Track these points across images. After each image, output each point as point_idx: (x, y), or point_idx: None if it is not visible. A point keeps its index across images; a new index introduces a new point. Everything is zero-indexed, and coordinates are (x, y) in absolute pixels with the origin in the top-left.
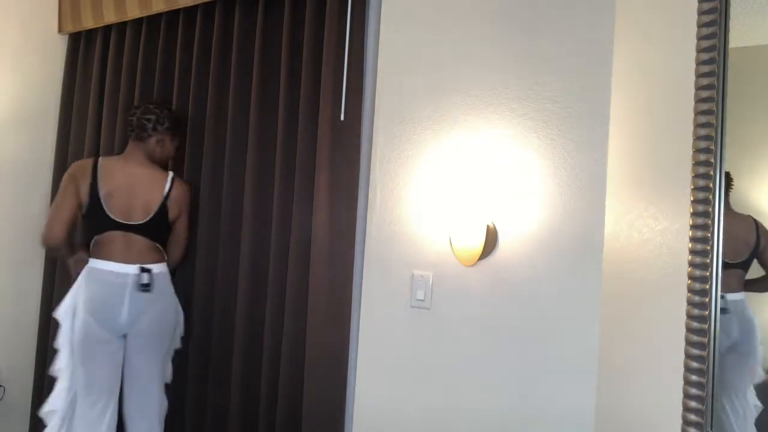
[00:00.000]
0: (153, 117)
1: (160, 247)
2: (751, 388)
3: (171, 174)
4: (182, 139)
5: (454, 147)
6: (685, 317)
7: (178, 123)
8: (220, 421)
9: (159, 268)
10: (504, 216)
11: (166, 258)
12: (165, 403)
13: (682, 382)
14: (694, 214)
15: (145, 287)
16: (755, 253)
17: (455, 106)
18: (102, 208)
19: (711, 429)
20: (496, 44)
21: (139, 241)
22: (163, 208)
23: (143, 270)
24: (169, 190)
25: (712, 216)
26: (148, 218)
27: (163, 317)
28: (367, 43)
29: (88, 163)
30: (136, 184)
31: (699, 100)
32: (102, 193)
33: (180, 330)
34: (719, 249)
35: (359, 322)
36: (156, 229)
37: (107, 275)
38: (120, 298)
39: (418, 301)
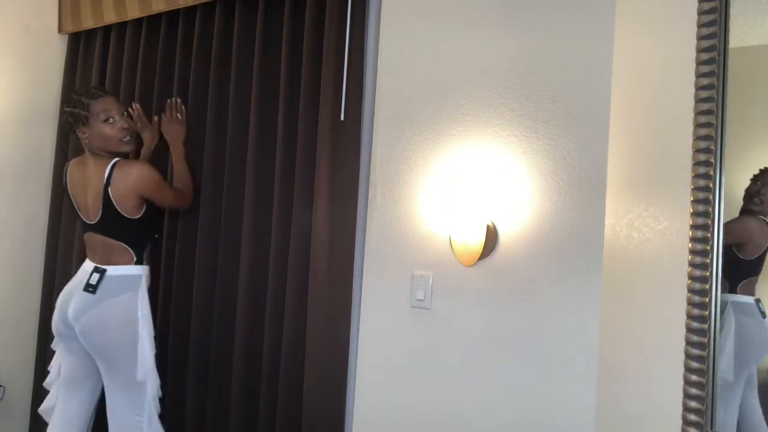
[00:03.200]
0: (63, 120)
1: (126, 246)
2: None
3: (113, 161)
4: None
5: (454, 147)
6: (685, 317)
7: (73, 113)
8: (220, 422)
9: (117, 271)
10: (504, 216)
11: (135, 260)
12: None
13: (682, 382)
14: (694, 214)
15: (88, 287)
16: None
17: (455, 105)
18: (76, 210)
19: (711, 429)
20: (497, 44)
21: (102, 240)
22: (107, 201)
23: (96, 270)
24: (108, 179)
25: (712, 216)
26: (99, 216)
27: (106, 323)
28: (367, 43)
29: (67, 164)
30: (86, 182)
31: (699, 100)
32: (70, 195)
33: (142, 356)
34: (719, 249)
35: (359, 322)
36: (112, 227)
37: (79, 273)
38: (71, 294)
39: (418, 301)
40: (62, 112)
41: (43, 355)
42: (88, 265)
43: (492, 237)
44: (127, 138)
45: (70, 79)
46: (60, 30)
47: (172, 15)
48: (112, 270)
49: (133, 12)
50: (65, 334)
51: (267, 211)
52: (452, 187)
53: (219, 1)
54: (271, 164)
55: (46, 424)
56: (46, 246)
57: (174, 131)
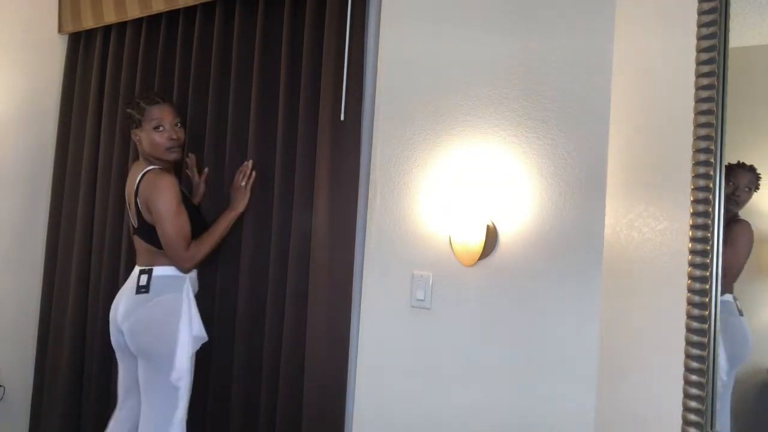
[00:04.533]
0: (121, 120)
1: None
2: None
3: (145, 168)
4: (153, 120)
5: (454, 146)
6: (685, 317)
7: (130, 114)
8: (221, 421)
9: (162, 271)
10: (504, 216)
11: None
12: None
13: (682, 382)
14: (694, 214)
15: (140, 289)
16: None
17: (455, 106)
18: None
19: (711, 429)
20: (496, 44)
21: (141, 244)
22: (137, 208)
23: (142, 272)
24: (138, 185)
25: (712, 216)
26: (137, 221)
27: (152, 321)
28: (367, 43)
29: None
30: (130, 187)
31: (699, 100)
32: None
33: (180, 357)
34: (719, 249)
35: (359, 322)
36: (146, 233)
37: (129, 279)
38: (119, 299)
39: (418, 301)
40: (121, 111)
41: (43, 355)
42: (136, 270)
43: (492, 237)
44: (174, 147)
45: (70, 79)
46: (60, 30)
47: (172, 15)
48: (157, 270)
49: (133, 12)
50: (119, 341)
51: (267, 211)
52: (452, 187)
53: (219, 1)
54: (271, 164)
55: (45, 424)
56: (46, 246)
57: (235, 198)
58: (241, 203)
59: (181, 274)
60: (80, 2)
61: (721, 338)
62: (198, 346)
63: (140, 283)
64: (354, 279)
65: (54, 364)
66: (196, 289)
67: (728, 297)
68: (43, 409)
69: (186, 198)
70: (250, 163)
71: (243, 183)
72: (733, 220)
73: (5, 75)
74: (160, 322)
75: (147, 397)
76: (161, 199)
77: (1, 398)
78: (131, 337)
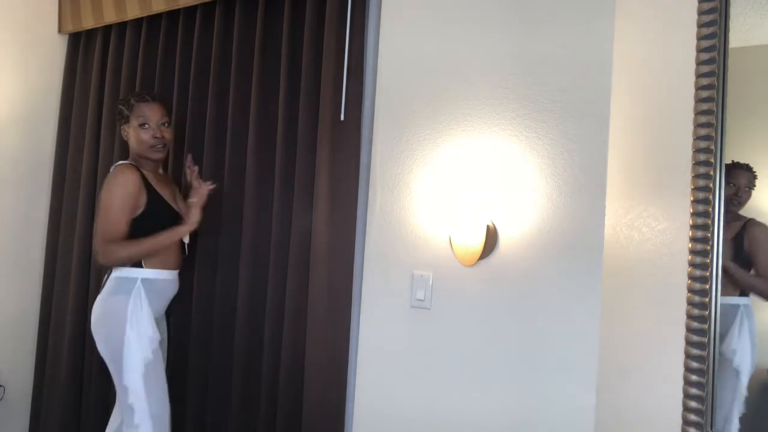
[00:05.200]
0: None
1: None
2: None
3: (116, 164)
4: (130, 118)
5: (454, 147)
6: (685, 317)
7: (120, 110)
8: (221, 421)
9: (117, 273)
10: (504, 216)
11: (132, 263)
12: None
13: (682, 382)
14: (694, 214)
15: (101, 288)
16: None
17: (455, 105)
18: None
19: (711, 429)
20: (496, 44)
21: None
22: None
23: (108, 272)
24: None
25: (712, 216)
26: None
27: (97, 322)
28: (367, 43)
29: None
30: None
31: (699, 100)
32: None
33: (128, 362)
34: (719, 249)
35: (359, 322)
36: None
37: None
38: None
39: (418, 301)
40: (116, 108)
41: (43, 355)
42: None
43: (492, 237)
44: (158, 146)
45: (70, 79)
46: (60, 30)
47: (172, 15)
48: (115, 272)
49: (133, 12)
50: None
51: (267, 211)
52: (452, 187)
53: (219, 1)
54: (271, 165)
55: (45, 424)
56: (46, 246)
57: (188, 212)
58: (193, 216)
59: (133, 276)
60: (80, 2)
61: (749, 343)
62: (156, 352)
63: (102, 283)
64: (354, 279)
65: (54, 364)
66: (174, 291)
67: (747, 300)
68: (43, 409)
69: (156, 197)
70: (195, 168)
71: (195, 199)
72: (751, 224)
73: (5, 75)
74: (102, 324)
75: (119, 395)
76: (106, 193)
77: (1, 398)
78: (96, 336)
